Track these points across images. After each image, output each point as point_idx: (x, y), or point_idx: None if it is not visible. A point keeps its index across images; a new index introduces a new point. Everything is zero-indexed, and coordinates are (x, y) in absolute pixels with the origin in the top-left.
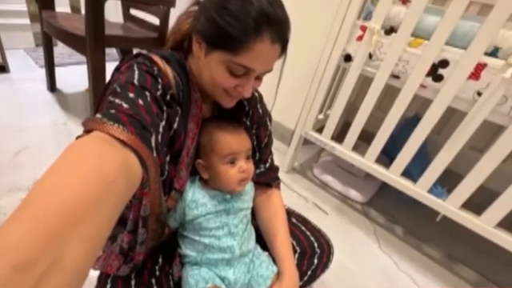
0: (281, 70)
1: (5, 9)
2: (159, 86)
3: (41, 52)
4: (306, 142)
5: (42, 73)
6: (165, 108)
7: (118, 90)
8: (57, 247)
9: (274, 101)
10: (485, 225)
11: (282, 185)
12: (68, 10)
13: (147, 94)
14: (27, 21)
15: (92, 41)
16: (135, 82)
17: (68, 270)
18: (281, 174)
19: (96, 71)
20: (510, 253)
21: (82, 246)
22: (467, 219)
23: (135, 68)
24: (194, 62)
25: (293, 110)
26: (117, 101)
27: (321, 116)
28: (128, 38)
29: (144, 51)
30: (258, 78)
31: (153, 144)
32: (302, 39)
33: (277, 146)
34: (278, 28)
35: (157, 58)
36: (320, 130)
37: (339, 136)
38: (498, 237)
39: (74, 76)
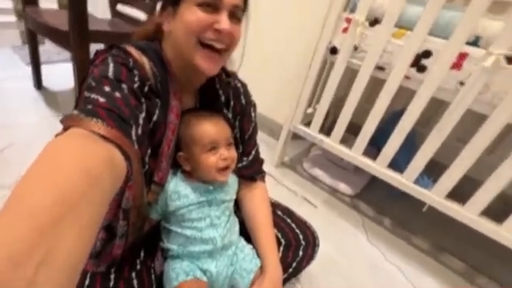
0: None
1: None
2: (136, 78)
3: (28, 50)
4: (297, 137)
5: (28, 70)
6: (143, 100)
7: (93, 84)
8: (50, 240)
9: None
10: (469, 214)
11: (271, 179)
12: (56, 6)
13: (124, 86)
14: (13, 18)
15: (76, 36)
16: (110, 75)
17: (62, 261)
18: (270, 169)
19: (81, 67)
20: (495, 242)
21: (74, 238)
22: (452, 208)
23: (109, 61)
24: (169, 43)
25: (282, 104)
26: (93, 96)
27: (310, 110)
28: (114, 33)
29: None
30: (235, 19)
31: (133, 137)
32: (290, 33)
33: (266, 141)
34: None
35: (132, 50)
36: (310, 124)
37: (330, 131)
38: (481, 225)
39: (62, 73)
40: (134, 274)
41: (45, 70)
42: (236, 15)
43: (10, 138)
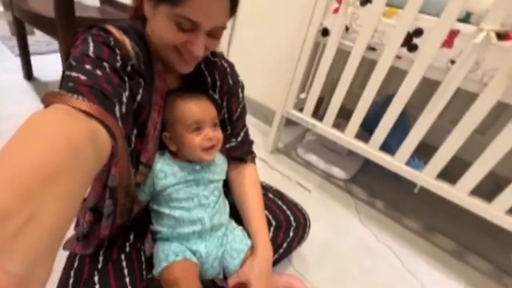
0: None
1: None
2: (118, 58)
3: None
4: (292, 123)
5: (18, 62)
6: (126, 79)
7: (74, 63)
8: (33, 202)
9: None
10: (459, 193)
11: (265, 165)
12: None
13: (105, 64)
14: (1, 8)
15: (62, 23)
16: (91, 53)
17: (45, 224)
18: (264, 155)
19: (68, 55)
20: (485, 221)
21: (58, 204)
22: (443, 188)
23: (90, 40)
24: (149, 25)
25: (277, 90)
26: (73, 74)
27: (303, 95)
28: (101, 20)
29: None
30: (213, 36)
31: (117, 114)
32: (282, 16)
33: (261, 128)
34: None
35: (112, 29)
36: (304, 109)
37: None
38: (471, 204)
39: (53, 64)
40: (123, 256)
41: (35, 60)
42: (216, 33)
43: (0, 129)
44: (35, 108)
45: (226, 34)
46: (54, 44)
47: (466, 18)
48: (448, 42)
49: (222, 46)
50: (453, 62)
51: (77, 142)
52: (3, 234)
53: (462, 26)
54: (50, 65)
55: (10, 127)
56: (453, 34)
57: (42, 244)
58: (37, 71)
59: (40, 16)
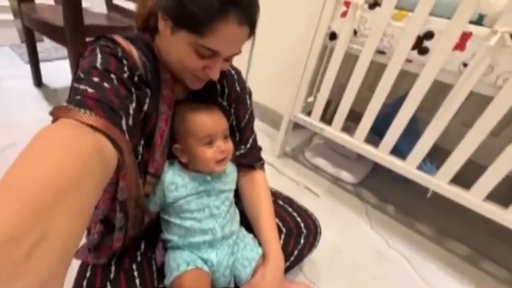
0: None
1: None
2: (125, 68)
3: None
4: (299, 126)
5: (28, 69)
6: (133, 90)
7: (82, 75)
8: (42, 221)
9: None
10: (474, 198)
11: (273, 169)
12: (52, 1)
13: (113, 76)
14: (11, 16)
15: (71, 31)
16: (98, 65)
17: (55, 243)
18: (272, 159)
19: (77, 62)
20: (500, 225)
21: (68, 220)
22: (457, 194)
23: (98, 52)
24: (162, 40)
25: (284, 94)
26: (81, 87)
27: (311, 99)
28: (110, 27)
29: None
30: (226, 60)
31: (124, 127)
32: (289, 20)
33: (269, 132)
34: (244, 9)
35: (120, 39)
36: (311, 113)
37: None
38: (487, 210)
39: (62, 71)
40: (134, 266)
41: (44, 67)
42: (232, 57)
43: (11, 137)
44: (45, 116)
45: (247, 45)
46: (63, 50)
47: (478, 21)
48: (460, 45)
49: (243, 57)
50: (465, 64)
51: (86, 158)
52: (14, 257)
53: (474, 29)
54: (59, 71)
55: (22, 136)
56: (465, 36)
57: (53, 264)
58: (46, 78)
59: (49, 24)
